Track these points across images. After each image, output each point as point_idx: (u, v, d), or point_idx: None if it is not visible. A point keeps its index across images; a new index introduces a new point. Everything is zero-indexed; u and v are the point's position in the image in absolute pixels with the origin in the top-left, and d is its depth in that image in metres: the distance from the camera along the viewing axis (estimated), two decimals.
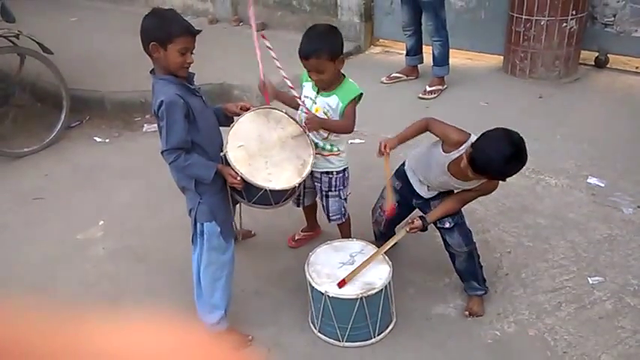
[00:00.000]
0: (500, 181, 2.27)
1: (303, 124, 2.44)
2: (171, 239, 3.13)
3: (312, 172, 2.51)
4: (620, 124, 4.11)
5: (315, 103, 2.52)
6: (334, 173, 2.62)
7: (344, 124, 2.51)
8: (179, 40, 2.10)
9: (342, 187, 2.66)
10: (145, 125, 4.54)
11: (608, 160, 3.64)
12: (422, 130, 2.42)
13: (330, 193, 2.66)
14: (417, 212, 2.60)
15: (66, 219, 3.42)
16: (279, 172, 2.30)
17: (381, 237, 2.78)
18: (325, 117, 2.49)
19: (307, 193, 2.79)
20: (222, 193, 2.33)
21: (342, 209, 2.72)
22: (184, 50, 2.14)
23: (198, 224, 2.35)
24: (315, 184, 2.68)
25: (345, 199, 2.72)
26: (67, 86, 4.42)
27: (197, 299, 2.47)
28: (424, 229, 2.43)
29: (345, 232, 2.85)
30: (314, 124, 2.43)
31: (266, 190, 2.24)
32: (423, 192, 2.51)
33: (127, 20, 6.94)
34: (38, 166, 4.05)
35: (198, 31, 2.20)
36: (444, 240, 2.51)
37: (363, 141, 4.04)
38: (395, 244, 2.49)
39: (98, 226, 3.33)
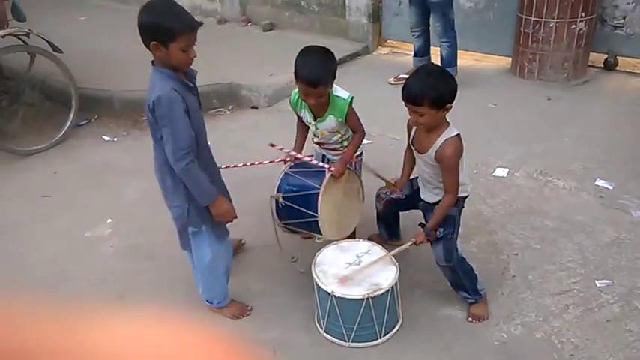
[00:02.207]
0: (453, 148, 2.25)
1: (329, 175, 2.52)
2: (175, 238, 3.13)
3: (331, 160, 2.72)
4: (628, 126, 4.09)
5: (318, 128, 2.62)
6: (354, 157, 2.71)
7: (358, 138, 2.63)
8: (181, 38, 2.02)
9: (359, 170, 2.76)
10: None
11: (617, 163, 3.63)
12: (409, 158, 2.55)
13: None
14: (420, 215, 2.58)
15: (74, 217, 3.44)
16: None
17: (379, 216, 2.89)
18: (330, 135, 2.63)
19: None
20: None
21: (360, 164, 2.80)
22: (187, 47, 2.06)
23: (189, 229, 2.34)
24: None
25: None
26: (77, 85, 4.44)
27: (202, 290, 2.54)
28: (429, 237, 2.40)
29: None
30: (342, 169, 2.53)
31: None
32: (428, 197, 2.50)
33: (136, 20, 6.97)
34: (47, 165, 4.07)
35: (200, 24, 2.11)
36: (432, 247, 2.49)
37: (370, 142, 4.03)
38: (399, 252, 2.49)
39: (106, 224, 3.34)
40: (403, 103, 2.27)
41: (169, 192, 2.29)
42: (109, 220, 3.37)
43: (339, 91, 2.56)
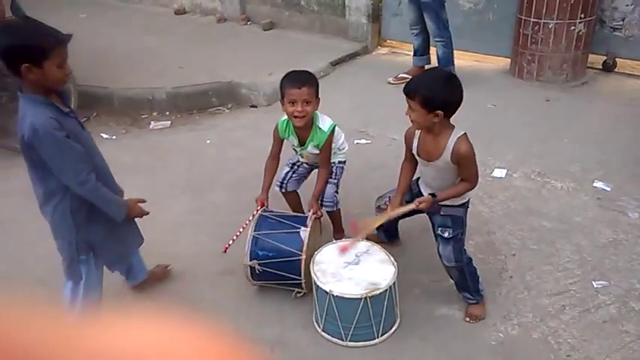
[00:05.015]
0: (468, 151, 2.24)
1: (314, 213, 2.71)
2: (176, 235, 3.14)
3: (313, 164, 2.86)
4: (627, 128, 4.10)
5: (303, 152, 2.79)
6: (337, 163, 2.86)
7: (325, 173, 2.78)
8: (54, 53, 1.88)
9: (339, 177, 2.87)
10: (152, 122, 4.56)
11: (615, 164, 3.64)
12: (406, 170, 2.52)
13: (330, 180, 2.83)
14: (419, 216, 2.58)
15: None
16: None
17: (385, 230, 2.87)
18: (315, 156, 2.79)
19: (293, 180, 2.94)
20: (104, 223, 2.22)
21: (335, 198, 2.85)
22: (62, 63, 1.92)
23: (80, 257, 2.23)
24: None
25: (337, 192, 2.86)
26: (76, 82, 4.43)
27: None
28: (432, 207, 2.37)
29: (337, 221, 2.98)
30: (317, 206, 2.75)
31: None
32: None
33: (136, 17, 6.98)
34: None
35: (70, 37, 1.96)
36: (438, 249, 2.48)
37: (369, 141, 4.04)
38: (397, 214, 2.49)
39: None
40: (402, 103, 2.28)
41: (56, 225, 2.21)
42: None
43: (321, 121, 2.70)
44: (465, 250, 2.50)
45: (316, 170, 2.90)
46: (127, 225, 2.37)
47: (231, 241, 2.61)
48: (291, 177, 2.93)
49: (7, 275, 2.94)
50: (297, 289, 2.63)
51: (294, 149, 2.82)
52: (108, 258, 2.36)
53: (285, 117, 2.68)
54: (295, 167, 2.93)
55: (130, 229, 2.44)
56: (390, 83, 4.91)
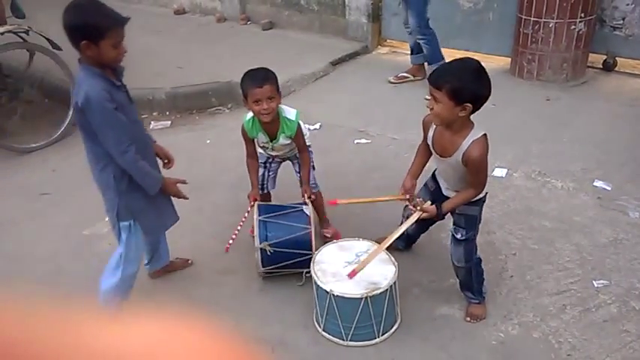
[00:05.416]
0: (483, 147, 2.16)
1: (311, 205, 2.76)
2: (175, 234, 3.13)
3: (287, 157, 2.91)
4: (627, 127, 4.10)
5: (275, 145, 2.78)
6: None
7: (307, 157, 2.82)
8: (111, 34, 2.05)
9: (312, 158, 2.92)
10: (152, 122, 4.56)
11: (615, 164, 3.63)
12: (422, 152, 2.42)
13: (300, 167, 2.88)
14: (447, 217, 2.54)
15: (73, 214, 3.44)
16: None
17: (407, 236, 2.77)
18: (287, 147, 2.81)
19: (270, 179, 3.00)
20: (145, 193, 2.33)
21: (315, 179, 2.94)
22: (117, 44, 2.09)
23: (120, 223, 2.38)
24: (293, 162, 2.95)
25: (314, 169, 2.94)
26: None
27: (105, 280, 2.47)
28: (438, 216, 2.34)
29: (320, 208, 3.02)
30: (310, 190, 2.80)
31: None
32: (450, 193, 2.44)
33: (136, 18, 6.96)
34: (46, 162, 4.07)
35: (127, 20, 2.14)
36: (450, 247, 2.48)
37: (369, 141, 4.04)
38: (408, 228, 2.45)
39: (104, 222, 3.32)
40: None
41: (103, 186, 2.35)
42: (107, 218, 3.36)
43: (287, 112, 2.73)
44: (476, 249, 2.47)
45: (285, 164, 2.97)
46: (165, 199, 2.48)
47: (231, 240, 2.61)
48: (267, 176, 2.98)
49: (7, 275, 2.93)
50: (305, 270, 2.59)
51: (264, 146, 2.83)
52: (146, 225, 2.46)
53: (248, 116, 2.73)
54: (268, 165, 2.96)
55: (169, 204, 2.54)
56: (390, 82, 4.91)
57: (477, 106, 2.08)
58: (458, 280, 2.58)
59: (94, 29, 2.03)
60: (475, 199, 2.30)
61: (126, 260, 2.43)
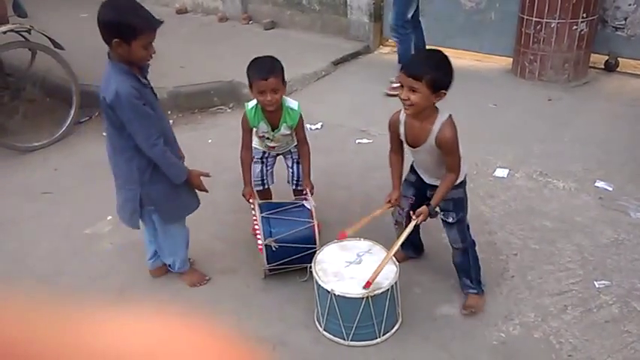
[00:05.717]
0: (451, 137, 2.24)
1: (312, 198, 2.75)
2: None
3: (283, 152, 2.92)
4: (628, 128, 4.09)
5: (275, 135, 2.78)
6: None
7: (307, 150, 2.82)
8: (143, 36, 2.12)
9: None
10: None
11: (616, 164, 3.63)
12: (395, 163, 2.51)
13: (300, 160, 2.92)
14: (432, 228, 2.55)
15: (74, 214, 3.44)
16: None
17: (410, 243, 2.77)
18: (285, 139, 2.82)
19: (269, 174, 2.99)
20: (167, 182, 2.44)
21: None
22: (148, 45, 2.16)
23: (147, 208, 2.49)
24: (286, 157, 2.96)
25: None
26: (77, 81, 4.44)
27: (164, 256, 2.74)
28: (432, 214, 2.38)
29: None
30: (311, 183, 2.81)
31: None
32: (435, 181, 2.45)
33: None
34: (47, 161, 4.08)
35: (161, 23, 2.20)
36: (446, 233, 2.55)
37: (370, 141, 4.04)
38: (408, 236, 2.46)
39: (106, 221, 3.34)
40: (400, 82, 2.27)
41: (126, 177, 2.43)
42: (109, 218, 3.37)
43: (289, 102, 2.75)
44: (468, 228, 2.53)
45: (279, 158, 2.98)
46: (187, 187, 2.56)
47: (259, 241, 2.64)
48: (266, 171, 2.97)
49: (7, 275, 2.94)
50: (309, 265, 2.58)
51: (264, 136, 2.80)
52: (166, 212, 2.55)
53: (251, 105, 2.73)
54: (265, 160, 2.95)
55: (190, 192, 2.61)
56: (387, 95, 4.70)
57: (446, 93, 2.22)
58: (455, 269, 2.59)
59: (128, 29, 2.09)
60: (457, 182, 2.38)
61: (166, 232, 2.61)
